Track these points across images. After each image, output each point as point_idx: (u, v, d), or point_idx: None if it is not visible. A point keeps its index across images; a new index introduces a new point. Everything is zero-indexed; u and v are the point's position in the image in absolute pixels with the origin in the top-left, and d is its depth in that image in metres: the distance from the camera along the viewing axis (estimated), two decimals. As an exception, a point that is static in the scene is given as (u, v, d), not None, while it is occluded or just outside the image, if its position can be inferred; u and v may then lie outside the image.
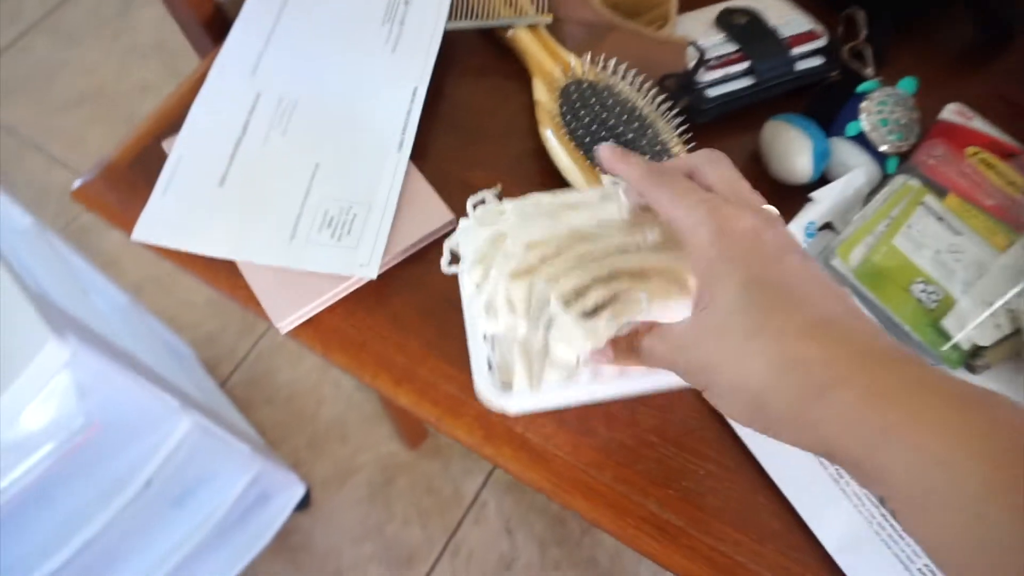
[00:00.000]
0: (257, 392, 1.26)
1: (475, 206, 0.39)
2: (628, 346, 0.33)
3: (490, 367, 0.36)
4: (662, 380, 0.35)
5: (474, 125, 0.55)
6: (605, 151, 0.35)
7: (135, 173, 0.53)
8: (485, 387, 0.36)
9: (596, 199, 0.36)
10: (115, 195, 0.53)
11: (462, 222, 0.38)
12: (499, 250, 0.35)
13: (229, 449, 0.89)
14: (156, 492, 0.78)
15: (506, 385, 0.36)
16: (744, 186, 0.31)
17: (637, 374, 0.36)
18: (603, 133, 0.49)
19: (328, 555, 1.13)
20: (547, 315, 0.34)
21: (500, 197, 0.39)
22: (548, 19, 0.56)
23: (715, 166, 0.32)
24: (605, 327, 0.33)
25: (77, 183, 0.53)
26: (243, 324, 1.31)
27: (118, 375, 0.65)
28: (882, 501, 0.41)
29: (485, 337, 0.36)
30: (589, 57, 0.52)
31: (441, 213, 0.49)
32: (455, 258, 0.39)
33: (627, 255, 0.35)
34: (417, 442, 1.19)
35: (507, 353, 0.36)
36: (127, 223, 0.51)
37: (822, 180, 0.51)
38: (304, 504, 1.13)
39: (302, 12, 0.57)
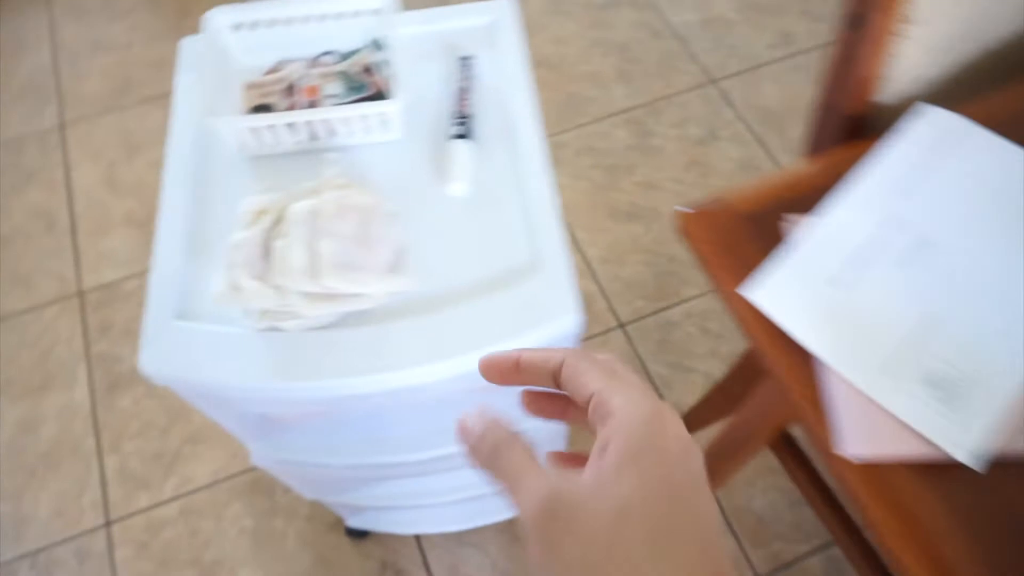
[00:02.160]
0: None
1: None
2: None
3: None
4: None
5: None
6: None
7: (744, 230, 0.56)
8: None
9: None
10: (716, 239, 0.56)
11: None
12: None
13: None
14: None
15: None
16: None
17: None
18: None
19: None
20: None
21: None
22: None
23: None
24: None
25: (683, 207, 0.57)
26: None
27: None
28: None
29: None
30: None
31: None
32: None
33: None
34: None
35: None
36: (720, 271, 0.54)
37: None
38: None
39: (973, 158, 0.56)
